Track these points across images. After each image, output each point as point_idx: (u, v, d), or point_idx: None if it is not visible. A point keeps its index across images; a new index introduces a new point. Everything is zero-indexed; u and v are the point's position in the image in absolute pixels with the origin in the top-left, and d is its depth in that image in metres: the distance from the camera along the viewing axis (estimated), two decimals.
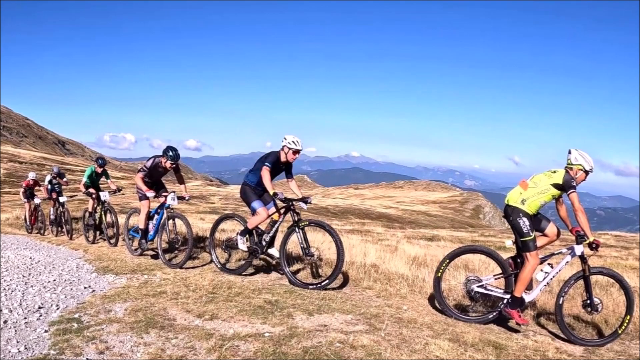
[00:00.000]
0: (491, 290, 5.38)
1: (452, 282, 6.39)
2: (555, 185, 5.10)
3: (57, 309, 4.99)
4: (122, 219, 10.16)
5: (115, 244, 10.13)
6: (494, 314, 5.29)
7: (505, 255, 5.55)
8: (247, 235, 6.87)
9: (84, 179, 11.76)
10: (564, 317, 5.05)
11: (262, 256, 7.08)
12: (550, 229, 5.41)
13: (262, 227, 6.91)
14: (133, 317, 4.70)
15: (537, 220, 5.37)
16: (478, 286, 5.39)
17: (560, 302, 5.02)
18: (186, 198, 8.22)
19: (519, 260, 5.33)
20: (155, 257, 8.39)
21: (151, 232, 8.39)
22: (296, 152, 6.65)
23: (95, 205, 11.38)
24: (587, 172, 5.17)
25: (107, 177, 12.23)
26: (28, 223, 15.34)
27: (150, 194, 8.05)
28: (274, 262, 7.44)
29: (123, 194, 16.09)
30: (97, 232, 11.30)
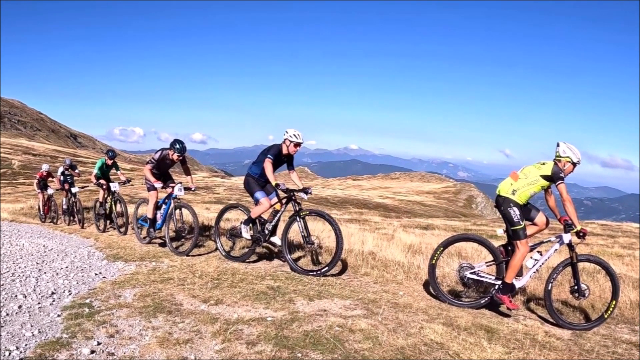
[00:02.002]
0: (483, 277, 5.38)
1: (446, 269, 6.39)
2: (545, 177, 5.08)
3: (70, 294, 5.00)
4: (131, 209, 10.16)
5: (125, 233, 10.13)
6: (486, 299, 5.29)
7: (496, 244, 5.54)
8: (251, 224, 6.86)
9: (95, 171, 11.75)
10: (553, 302, 5.04)
11: (264, 244, 7.07)
12: (540, 218, 5.40)
13: (265, 216, 6.90)
14: (142, 302, 4.70)
15: (527, 210, 5.35)
16: (471, 273, 5.39)
17: (549, 288, 5.02)
18: (192, 189, 8.21)
19: (509, 248, 5.32)
20: (162, 245, 8.39)
21: (159, 221, 8.38)
22: (297, 144, 6.62)
23: (105, 196, 11.36)
24: (574, 164, 5.15)
25: (117, 168, 12.20)
26: (42, 212, 15.35)
27: (158, 184, 8.04)
28: (276, 250, 7.43)
29: (132, 185, 16.08)
30: (108, 221, 11.30)
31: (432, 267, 5.51)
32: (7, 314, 4.26)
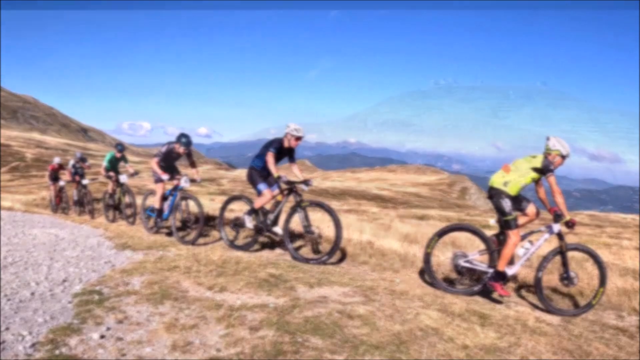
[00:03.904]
0: (476, 265, 5.38)
1: (441, 257, 6.38)
2: (535, 169, 5.06)
3: (80, 282, 4.99)
4: (139, 200, 10.14)
5: (133, 223, 10.13)
6: (479, 286, 5.29)
7: (489, 233, 5.53)
8: (254, 215, 6.85)
9: (105, 163, 11.72)
10: (543, 289, 5.04)
11: (267, 234, 7.07)
12: (530, 209, 5.39)
13: (267, 207, 6.89)
14: (149, 290, 4.70)
15: (518, 201, 5.34)
16: (464, 261, 5.39)
17: (540, 276, 5.01)
18: (198, 180, 8.19)
19: (501, 238, 5.31)
20: (169, 234, 8.39)
21: (166, 212, 8.37)
22: (298, 138, 6.60)
23: (114, 187, 11.35)
24: (563, 157, 5.13)
25: (126, 161, 12.18)
26: (53, 203, 15.34)
27: (165, 177, 8.02)
28: (277, 239, 7.43)
29: (140, 177, 16.06)
30: (117, 212, 11.29)
31: (427, 256, 5.50)
32: (20, 301, 4.26)
